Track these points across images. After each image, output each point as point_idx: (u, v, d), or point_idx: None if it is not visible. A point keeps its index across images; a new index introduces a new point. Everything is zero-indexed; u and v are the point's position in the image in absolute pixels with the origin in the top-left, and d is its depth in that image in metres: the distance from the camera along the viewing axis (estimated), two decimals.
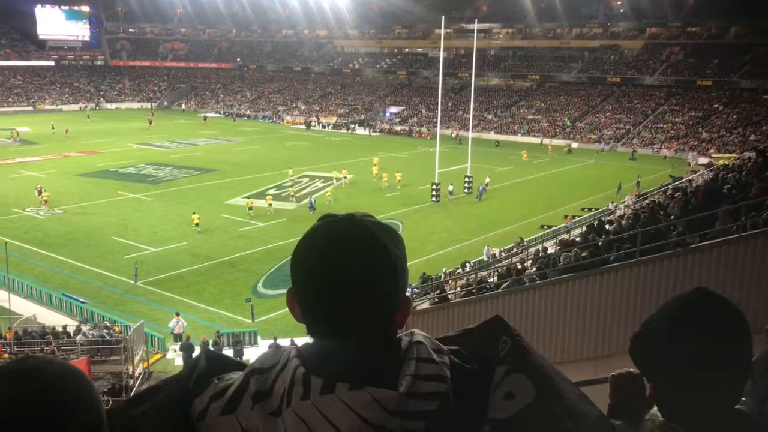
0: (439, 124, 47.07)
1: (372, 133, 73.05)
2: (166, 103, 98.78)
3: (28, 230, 30.81)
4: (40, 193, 35.24)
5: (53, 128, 64.39)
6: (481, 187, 40.03)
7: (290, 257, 1.15)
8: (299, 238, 1.15)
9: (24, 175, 42.79)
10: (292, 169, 43.98)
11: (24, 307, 22.11)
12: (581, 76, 79.92)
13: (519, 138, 69.80)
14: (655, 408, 1.46)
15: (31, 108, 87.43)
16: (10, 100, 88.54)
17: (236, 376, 1.14)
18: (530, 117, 75.79)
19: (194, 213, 31.85)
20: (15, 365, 1.00)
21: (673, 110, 69.35)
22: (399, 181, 41.61)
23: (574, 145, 64.65)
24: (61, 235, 30.25)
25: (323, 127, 78.90)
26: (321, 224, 1.15)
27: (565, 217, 32.95)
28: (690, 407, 1.38)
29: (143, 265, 25.56)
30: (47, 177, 42.02)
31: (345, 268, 1.08)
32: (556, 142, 66.24)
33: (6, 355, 15.46)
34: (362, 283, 1.08)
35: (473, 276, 18.57)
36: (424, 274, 23.85)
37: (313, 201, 35.25)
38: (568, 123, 71.63)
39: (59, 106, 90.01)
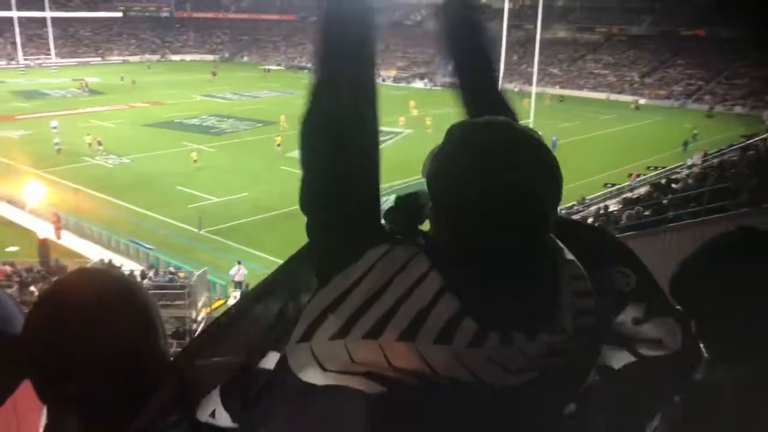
0: (501, 77, 45.89)
1: (433, 87, 72.17)
2: (227, 55, 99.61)
3: (98, 178, 31.87)
4: (97, 142, 36.73)
5: (122, 79, 66.01)
6: (554, 138, 39.65)
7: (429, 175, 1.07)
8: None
9: (93, 124, 44.07)
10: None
11: (94, 252, 23.05)
12: (652, 29, 76.56)
13: (584, 93, 67.78)
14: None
15: (99, 59, 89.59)
16: (79, 51, 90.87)
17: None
18: (597, 71, 73.37)
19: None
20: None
21: (749, 66, 65.95)
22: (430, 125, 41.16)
23: (642, 101, 62.38)
24: (129, 183, 31.20)
25: (383, 80, 78.34)
26: (472, 130, 1.09)
27: (630, 175, 32.01)
28: (733, 344, 1.36)
29: (206, 214, 26.22)
30: (115, 126, 43.22)
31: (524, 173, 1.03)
32: (623, 97, 64.08)
33: None
34: (546, 193, 1.06)
35: None
36: None
37: None
38: (637, 78, 69.08)
39: (126, 57, 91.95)
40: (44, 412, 1.23)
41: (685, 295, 1.43)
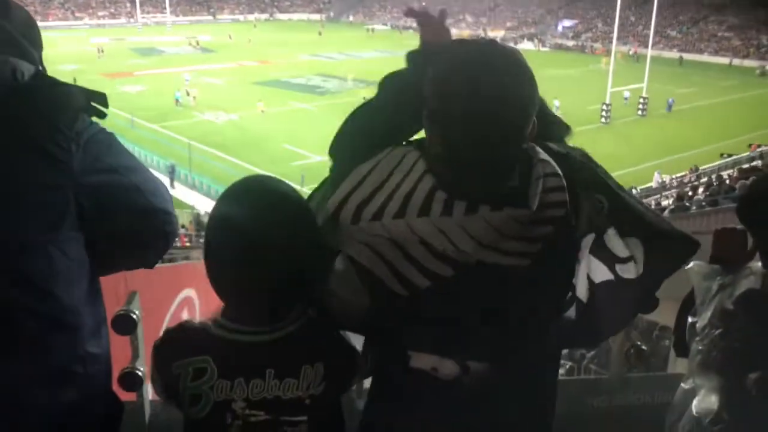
0: (615, 39, 43.77)
1: (541, 48, 70.06)
2: (332, 14, 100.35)
3: (207, 134, 33.19)
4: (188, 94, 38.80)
5: (230, 37, 68.01)
6: (671, 100, 38.02)
7: (430, 85, 1.20)
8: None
9: (204, 81, 45.73)
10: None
11: (204, 204, 24.20)
12: None
13: (705, 57, 63.89)
14: (755, 261, 1.70)
15: (210, 17, 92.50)
16: (192, 9, 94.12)
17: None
18: (720, 34, 68.77)
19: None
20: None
21: None
22: None
23: None
24: (237, 139, 32.34)
25: None
26: (460, 48, 1.23)
27: (750, 145, 30.03)
28: None
29: (309, 171, 26.80)
30: (225, 84, 44.69)
31: (507, 90, 1.15)
32: (748, 62, 59.87)
33: (188, 244, 17.09)
34: (521, 108, 1.16)
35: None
36: None
37: None
38: (765, 41, 64.24)
39: (236, 16, 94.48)
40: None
41: (752, 213, 1.69)
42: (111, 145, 1.33)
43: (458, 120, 1.14)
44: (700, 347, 1.73)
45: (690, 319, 1.81)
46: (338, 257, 1.29)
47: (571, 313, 1.28)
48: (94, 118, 1.33)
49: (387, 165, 1.25)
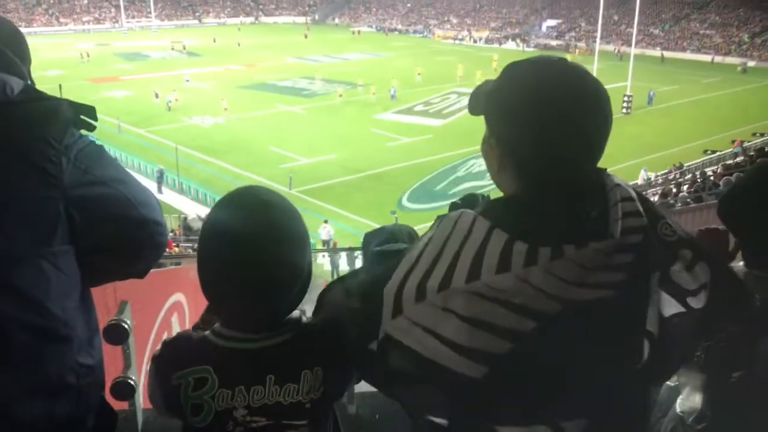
0: (599, 38, 44.22)
1: (525, 48, 70.33)
2: (317, 17, 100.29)
3: (194, 137, 33.07)
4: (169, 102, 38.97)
5: (215, 41, 67.93)
6: (651, 93, 38.93)
7: (506, 102, 1.16)
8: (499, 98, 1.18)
9: (190, 85, 45.55)
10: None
11: (191, 208, 24.12)
12: None
13: (687, 55, 64.38)
14: (738, 260, 1.75)
15: (196, 21, 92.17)
16: (178, 14, 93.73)
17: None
18: (702, 32, 69.33)
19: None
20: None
21: None
22: None
23: (751, 63, 58.58)
24: (224, 143, 32.24)
25: (474, 41, 76.96)
26: (544, 65, 1.18)
27: (733, 142, 30.33)
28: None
29: (296, 174, 26.82)
30: (210, 88, 44.55)
31: (585, 113, 1.12)
32: (729, 59, 60.43)
33: (177, 249, 17.01)
34: (597, 130, 1.13)
35: None
36: None
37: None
38: (746, 39, 64.86)
39: (222, 20, 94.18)
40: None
41: (732, 213, 1.74)
42: (100, 158, 1.34)
43: (537, 142, 1.11)
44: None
45: None
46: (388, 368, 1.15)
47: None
48: (83, 131, 1.35)
49: (441, 235, 1.13)
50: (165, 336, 3.94)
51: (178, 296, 4.44)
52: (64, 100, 1.32)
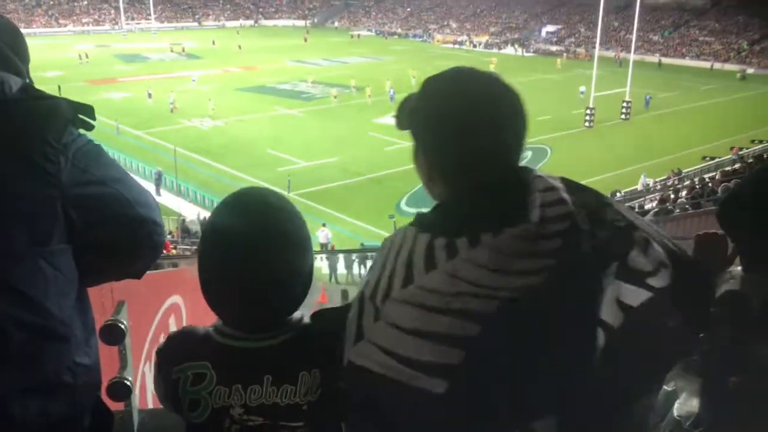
0: (598, 44, 44.19)
1: (525, 54, 70.49)
2: (317, 20, 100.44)
3: (192, 140, 33.07)
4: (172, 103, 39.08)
5: (214, 43, 68.05)
6: (648, 97, 39.44)
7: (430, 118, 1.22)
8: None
9: (189, 88, 45.57)
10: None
11: (190, 210, 24.10)
12: None
13: (686, 61, 64.53)
14: (736, 265, 1.76)
15: (196, 24, 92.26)
16: (177, 16, 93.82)
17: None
18: (701, 39, 69.52)
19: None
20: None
21: None
22: None
23: (750, 70, 58.70)
24: (222, 145, 32.25)
25: (474, 46, 77.12)
26: (458, 75, 1.25)
27: (731, 148, 30.38)
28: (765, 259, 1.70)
29: (295, 177, 26.81)
30: (209, 90, 44.57)
31: (502, 107, 1.21)
32: (728, 66, 60.57)
33: (174, 251, 17.00)
34: (513, 130, 1.22)
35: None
36: None
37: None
38: (745, 46, 65.02)
39: (222, 23, 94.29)
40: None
41: (730, 218, 1.76)
42: (99, 157, 1.34)
43: (453, 143, 1.19)
44: None
45: None
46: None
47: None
48: (81, 130, 1.35)
49: (381, 252, 1.19)
50: (161, 338, 3.95)
51: (176, 298, 4.44)
52: (62, 99, 1.32)
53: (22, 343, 1.18)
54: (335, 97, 42.57)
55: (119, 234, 1.35)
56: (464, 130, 1.18)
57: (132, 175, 1.44)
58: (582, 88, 43.59)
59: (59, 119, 1.28)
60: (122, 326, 1.78)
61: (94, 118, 1.37)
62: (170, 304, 4.32)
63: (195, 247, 10.01)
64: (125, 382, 1.79)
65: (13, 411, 1.18)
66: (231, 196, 1.35)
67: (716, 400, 1.68)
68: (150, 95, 41.02)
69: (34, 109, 1.26)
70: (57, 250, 1.24)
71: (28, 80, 1.38)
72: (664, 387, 1.89)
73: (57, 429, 1.27)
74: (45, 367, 1.23)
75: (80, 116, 1.34)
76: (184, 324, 4.62)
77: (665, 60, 64.68)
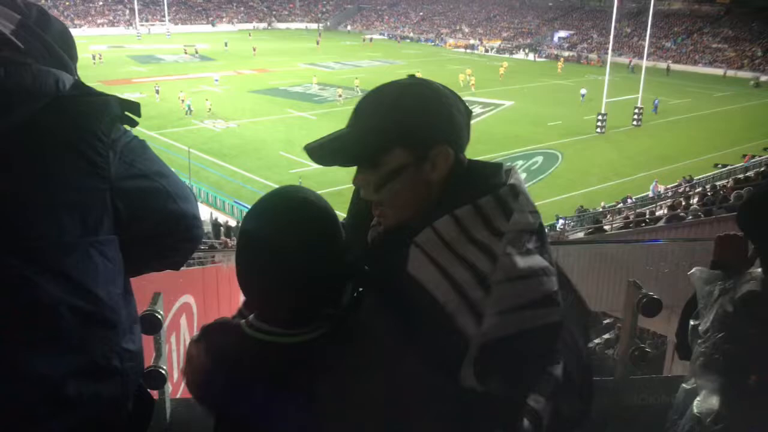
0: (610, 50, 44.10)
1: (537, 59, 70.39)
2: (329, 23, 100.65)
3: (205, 141, 33.23)
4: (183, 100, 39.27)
5: (226, 45, 68.37)
6: (656, 101, 39.61)
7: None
8: None
9: (202, 89, 45.79)
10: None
11: (202, 211, 24.19)
12: None
13: (699, 68, 64.23)
14: (756, 267, 1.79)
15: (209, 26, 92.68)
16: (191, 17, 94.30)
17: None
18: (714, 45, 69.19)
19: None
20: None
21: None
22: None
23: (764, 78, 58.29)
24: (234, 147, 32.38)
25: (486, 51, 77.10)
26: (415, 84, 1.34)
27: (744, 156, 30.22)
28: None
29: (306, 179, 26.86)
30: (222, 92, 44.79)
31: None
32: (742, 74, 60.24)
33: None
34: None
35: (633, 212, 17.78)
36: (581, 207, 23.13)
37: None
38: (759, 53, 64.63)
39: (235, 25, 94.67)
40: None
41: (750, 221, 1.80)
42: (144, 152, 1.40)
43: None
44: (702, 349, 1.80)
45: (692, 323, 1.88)
46: None
47: None
48: (126, 126, 1.41)
49: None
50: (173, 337, 4.00)
51: (187, 298, 4.50)
52: (111, 96, 1.38)
53: (74, 327, 1.24)
54: (340, 95, 42.89)
55: (161, 226, 1.41)
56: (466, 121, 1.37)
57: None
58: (583, 91, 44.02)
59: (109, 115, 1.33)
60: (159, 316, 1.83)
61: (139, 115, 1.42)
62: (182, 304, 4.37)
63: (204, 248, 10.03)
64: (160, 370, 1.84)
65: (68, 392, 1.24)
66: (271, 192, 1.38)
67: (737, 399, 1.72)
68: (157, 91, 41.51)
69: (86, 106, 1.32)
70: (106, 240, 1.29)
71: (76, 77, 1.43)
72: (683, 385, 1.92)
73: (107, 411, 1.32)
74: (95, 351, 1.28)
75: (126, 113, 1.40)
76: (196, 324, 4.68)
77: (678, 67, 64.41)
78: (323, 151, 1.38)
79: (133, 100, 1.41)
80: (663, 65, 63.74)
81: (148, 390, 1.85)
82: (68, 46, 1.47)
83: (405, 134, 1.28)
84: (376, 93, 1.36)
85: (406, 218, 1.31)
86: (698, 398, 1.81)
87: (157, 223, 1.41)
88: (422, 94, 1.30)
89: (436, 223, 1.21)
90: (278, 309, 1.33)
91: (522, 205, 1.24)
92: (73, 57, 1.48)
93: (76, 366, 1.25)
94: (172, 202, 1.41)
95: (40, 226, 1.20)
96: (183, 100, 39.05)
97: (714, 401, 1.75)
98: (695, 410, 1.80)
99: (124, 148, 1.34)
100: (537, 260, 1.19)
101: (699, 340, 1.82)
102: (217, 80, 47.92)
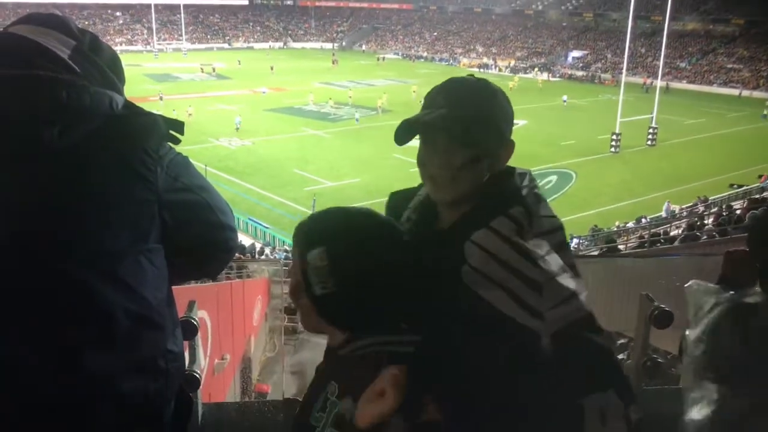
0: (624, 70, 44.10)
1: (551, 78, 70.53)
2: (344, 43, 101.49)
3: (221, 158, 33.54)
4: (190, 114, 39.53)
5: (239, 63, 69.20)
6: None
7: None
8: None
9: (218, 108, 46.28)
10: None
11: None
12: None
13: (714, 88, 64.09)
14: (757, 285, 1.83)
15: (226, 45, 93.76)
16: (208, 36, 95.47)
17: None
18: (729, 66, 69.06)
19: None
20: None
21: None
22: None
23: None
24: (249, 164, 32.67)
25: (499, 70, 77.41)
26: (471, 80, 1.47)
27: (760, 176, 30.05)
28: None
29: (320, 197, 27.03)
30: (238, 110, 45.27)
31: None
32: (757, 94, 60.03)
33: None
34: None
35: (647, 232, 17.75)
36: (596, 226, 23.11)
37: None
38: None
39: (251, 44, 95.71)
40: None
41: (755, 240, 1.88)
42: (187, 167, 1.52)
43: None
44: (691, 359, 1.89)
45: (686, 332, 1.97)
46: None
47: None
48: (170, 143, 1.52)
49: None
50: (186, 353, 4.07)
51: (201, 314, 4.60)
52: (158, 116, 1.50)
53: (127, 329, 1.35)
54: (351, 99, 43.44)
55: (202, 236, 1.52)
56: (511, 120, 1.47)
57: None
58: (564, 97, 45.93)
59: (157, 133, 1.45)
60: (195, 323, 1.93)
61: (182, 133, 1.53)
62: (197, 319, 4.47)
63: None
64: (195, 374, 1.94)
65: (122, 389, 1.35)
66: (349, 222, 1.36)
67: (725, 408, 1.78)
68: (167, 106, 41.78)
69: (138, 124, 1.44)
70: (153, 249, 1.41)
71: (125, 98, 1.55)
72: (691, 395, 1.99)
73: (154, 407, 1.43)
74: (144, 351, 1.39)
75: (171, 132, 1.51)
76: (210, 341, 4.75)
77: (693, 87, 64.37)
78: (432, 125, 1.41)
79: (177, 119, 1.51)
80: (677, 85, 63.69)
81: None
82: (118, 69, 1.59)
83: (503, 126, 1.43)
84: (465, 84, 1.46)
85: (455, 197, 1.43)
86: (696, 408, 1.88)
87: (199, 233, 1.51)
88: (505, 94, 1.47)
89: (493, 223, 1.34)
90: None
91: (546, 207, 1.41)
92: (122, 79, 1.60)
93: (128, 365, 1.36)
94: (213, 214, 1.52)
95: (97, 235, 1.31)
96: (190, 114, 39.30)
97: (704, 410, 1.82)
98: (695, 418, 1.87)
99: (170, 163, 1.45)
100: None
101: (690, 350, 1.90)
102: (264, 92, 48.80)
